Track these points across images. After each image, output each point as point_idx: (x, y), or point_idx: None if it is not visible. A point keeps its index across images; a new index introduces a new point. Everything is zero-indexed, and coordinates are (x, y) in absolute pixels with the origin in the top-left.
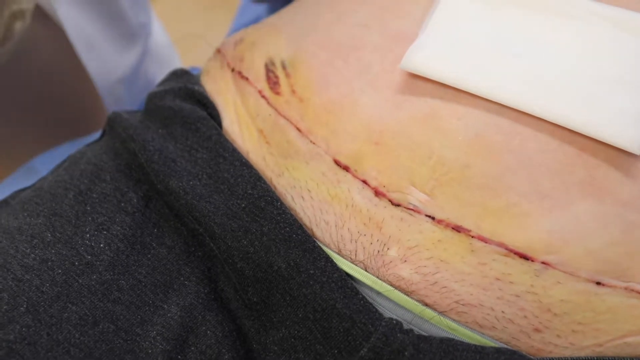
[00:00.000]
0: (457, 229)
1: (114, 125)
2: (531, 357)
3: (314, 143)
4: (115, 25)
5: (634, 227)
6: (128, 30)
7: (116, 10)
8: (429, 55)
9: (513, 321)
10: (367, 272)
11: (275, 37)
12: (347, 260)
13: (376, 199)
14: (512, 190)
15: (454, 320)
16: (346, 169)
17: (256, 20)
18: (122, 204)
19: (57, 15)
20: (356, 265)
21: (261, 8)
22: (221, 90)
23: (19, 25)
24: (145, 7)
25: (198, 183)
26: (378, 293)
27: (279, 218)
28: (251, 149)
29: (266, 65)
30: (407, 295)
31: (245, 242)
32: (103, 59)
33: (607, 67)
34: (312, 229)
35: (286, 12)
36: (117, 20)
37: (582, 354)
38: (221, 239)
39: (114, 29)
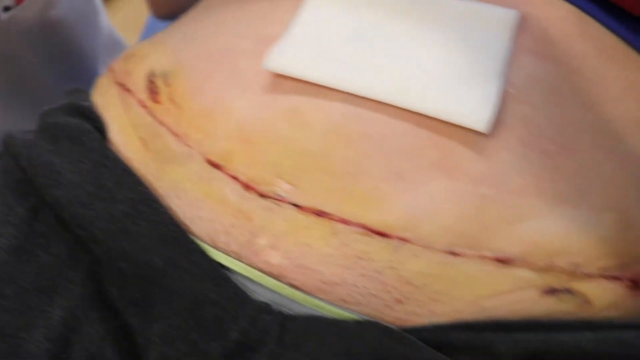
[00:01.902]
0: (320, 214)
1: (7, 145)
2: (390, 325)
3: (189, 146)
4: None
5: (485, 201)
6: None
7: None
8: (289, 56)
9: (376, 295)
10: (241, 261)
11: (158, 50)
12: (221, 252)
13: (246, 193)
14: (370, 174)
15: (321, 299)
16: (218, 167)
17: None
18: (9, 217)
19: None
20: (230, 255)
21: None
22: (108, 104)
23: None
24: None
25: (82, 192)
26: (251, 280)
27: (156, 218)
28: (134, 156)
29: (148, 77)
30: (278, 279)
31: (124, 244)
32: None
33: (457, 57)
34: (188, 226)
35: (172, 26)
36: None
37: (442, 320)
38: (103, 243)
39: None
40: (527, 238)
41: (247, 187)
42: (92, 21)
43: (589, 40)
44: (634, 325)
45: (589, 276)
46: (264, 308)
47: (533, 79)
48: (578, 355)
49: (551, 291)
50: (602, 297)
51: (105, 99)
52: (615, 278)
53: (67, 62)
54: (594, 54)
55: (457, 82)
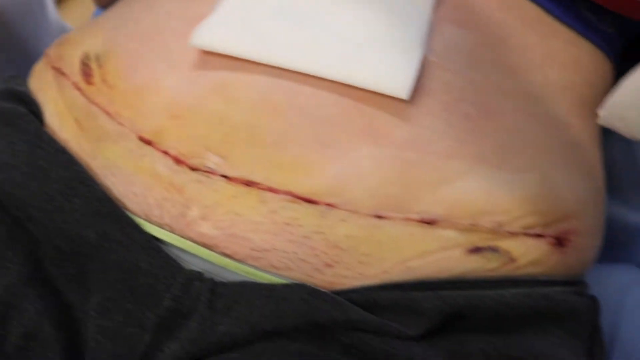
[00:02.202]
0: (248, 183)
1: None
2: (319, 288)
3: (121, 124)
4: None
5: (409, 165)
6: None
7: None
8: (215, 32)
9: (305, 260)
10: (174, 233)
11: (92, 34)
12: (154, 225)
13: (177, 167)
14: (297, 143)
15: (252, 266)
16: (149, 143)
17: None
18: None
19: None
20: (163, 228)
21: None
22: (43, 88)
23: None
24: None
25: (16, 173)
26: (184, 251)
27: (88, 195)
28: (69, 137)
29: (82, 60)
30: (210, 249)
31: (59, 221)
32: None
33: (379, 27)
34: (123, 202)
35: (106, 11)
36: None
37: (371, 281)
38: (39, 221)
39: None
40: (451, 199)
41: (178, 161)
42: (37, 14)
43: (510, 10)
44: (558, 282)
45: (512, 234)
46: (196, 276)
47: (454, 46)
48: (501, 310)
49: (476, 250)
50: (526, 254)
51: (41, 83)
52: (538, 236)
53: (9, 54)
54: (515, 23)
55: (378, 51)
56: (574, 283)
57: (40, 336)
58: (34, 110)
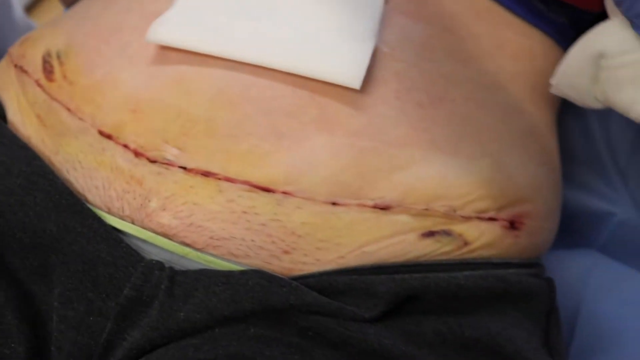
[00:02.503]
0: (206, 174)
1: None
2: (274, 274)
3: (81, 119)
4: None
5: (363, 152)
6: None
7: None
8: (171, 28)
9: (263, 247)
10: (134, 224)
11: (53, 32)
12: (115, 217)
13: (136, 160)
14: (253, 134)
15: (212, 254)
16: (109, 137)
17: None
18: None
19: None
20: (124, 220)
21: None
22: (5, 86)
23: None
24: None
25: None
26: (145, 241)
27: (49, 188)
28: (32, 133)
29: (43, 57)
30: (170, 239)
31: (21, 215)
32: None
33: (331, 20)
34: (84, 196)
35: (69, 10)
36: None
37: (328, 267)
38: (1, 216)
39: None
40: (405, 185)
41: (137, 154)
42: (3, 14)
43: (461, 1)
44: (513, 264)
45: (465, 218)
46: (156, 265)
47: (406, 37)
48: (455, 291)
49: (429, 234)
50: (480, 237)
51: (3, 81)
52: (491, 219)
53: None
54: (466, 14)
55: (331, 43)
56: (530, 265)
57: (3, 327)
58: None
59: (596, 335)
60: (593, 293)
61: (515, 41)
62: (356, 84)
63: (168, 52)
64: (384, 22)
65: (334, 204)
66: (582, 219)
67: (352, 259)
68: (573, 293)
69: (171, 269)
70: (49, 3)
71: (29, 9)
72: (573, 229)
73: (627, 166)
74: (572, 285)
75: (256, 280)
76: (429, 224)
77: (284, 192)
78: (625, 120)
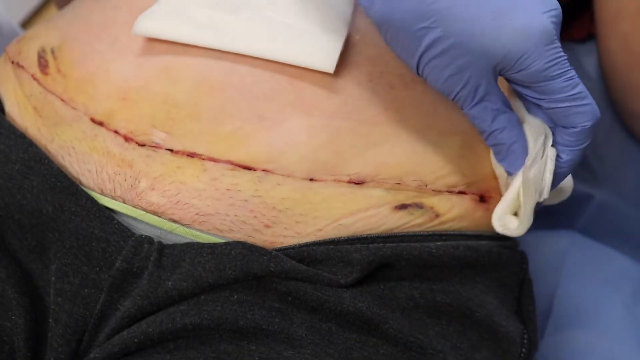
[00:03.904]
0: (191, 155)
1: None
2: (252, 244)
3: (75, 109)
4: None
5: (339, 131)
6: None
7: None
8: (157, 20)
9: (246, 222)
10: (125, 203)
11: (48, 30)
12: (108, 197)
13: (126, 144)
14: (235, 117)
15: (198, 230)
16: (101, 124)
17: None
18: None
19: None
20: (116, 200)
21: None
22: (3, 81)
23: None
24: None
25: None
26: (135, 219)
27: (45, 172)
28: (29, 124)
29: (39, 53)
30: (158, 216)
31: (19, 197)
32: None
33: (307, 9)
34: (79, 179)
35: (62, 10)
36: None
37: (307, 239)
38: (0, 199)
39: None
40: (379, 161)
41: (127, 138)
42: None
43: None
44: (485, 236)
45: (436, 192)
46: (145, 239)
47: None
48: (427, 259)
49: (402, 206)
50: (451, 210)
51: (1, 77)
52: (461, 193)
53: None
54: None
55: (306, 31)
56: (501, 238)
57: (4, 301)
58: None
59: (573, 312)
60: (571, 271)
61: None
62: (330, 68)
63: (154, 44)
64: (356, 10)
65: (311, 179)
66: (563, 201)
67: (330, 232)
68: (552, 271)
69: (160, 242)
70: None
71: (25, 24)
72: (553, 211)
73: (604, 149)
74: (552, 264)
75: (238, 250)
76: (402, 197)
77: (265, 170)
78: (601, 104)
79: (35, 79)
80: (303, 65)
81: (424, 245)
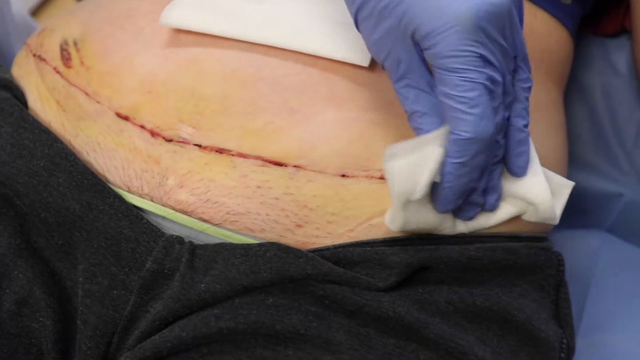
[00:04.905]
0: (220, 151)
1: None
2: (287, 245)
3: (99, 102)
4: None
5: (371, 125)
6: None
7: None
8: (184, 10)
9: (277, 221)
10: (153, 202)
11: (69, 22)
12: (135, 195)
13: (153, 139)
14: (266, 111)
15: (229, 229)
16: (126, 118)
17: None
18: None
19: None
20: (144, 198)
21: None
22: (25, 74)
23: None
24: None
25: (2, 152)
26: (164, 218)
27: (72, 169)
28: (52, 118)
29: (61, 46)
30: (188, 215)
31: (45, 194)
32: None
33: (336, 2)
34: (104, 176)
35: (82, 1)
36: None
37: (340, 240)
38: (25, 196)
39: None
40: None
41: (154, 133)
42: (3, 10)
43: None
44: (522, 237)
45: None
46: (176, 240)
47: None
48: (466, 262)
49: None
50: None
51: (23, 70)
52: None
53: None
54: None
55: (340, 25)
56: (538, 239)
57: (32, 302)
58: (17, 96)
59: (606, 314)
60: (602, 272)
61: None
62: (365, 61)
63: (181, 35)
64: None
65: (343, 175)
66: (590, 200)
67: (362, 232)
68: (583, 272)
69: (191, 243)
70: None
71: (35, 13)
72: (582, 210)
73: (633, 148)
74: (582, 265)
75: (273, 252)
76: None
77: (296, 166)
78: (633, 102)
79: (57, 72)
80: (337, 59)
81: (463, 247)
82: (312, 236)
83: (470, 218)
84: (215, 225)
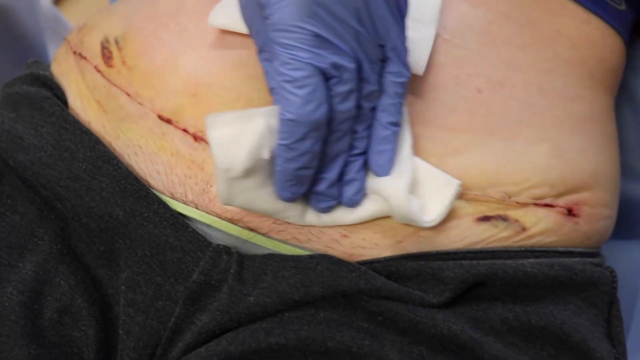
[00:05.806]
0: None
1: None
2: (339, 258)
3: (141, 104)
4: None
5: (418, 138)
6: None
7: None
8: (233, 11)
9: (323, 231)
10: (198, 209)
11: (110, 19)
12: (179, 202)
13: (196, 144)
14: None
15: (276, 239)
16: (168, 121)
17: None
18: None
19: None
20: (188, 205)
21: None
22: (65, 72)
23: None
24: None
25: (43, 154)
26: (209, 226)
27: (114, 173)
28: (92, 119)
29: (102, 44)
30: (234, 223)
31: (87, 199)
32: None
33: None
34: (147, 180)
35: None
36: None
37: (387, 252)
38: (67, 200)
39: None
40: (460, 171)
41: (197, 138)
42: (31, 3)
43: None
44: (576, 252)
45: (521, 204)
46: (224, 249)
47: (466, 23)
48: (522, 278)
49: (485, 218)
50: (537, 223)
51: (63, 68)
52: (548, 206)
53: (12, 46)
54: (525, 1)
55: None
56: (592, 255)
57: (74, 310)
58: (57, 94)
59: None
60: None
61: (573, 27)
62: (420, 70)
63: (228, 36)
64: (444, 8)
65: None
66: (636, 210)
67: (409, 244)
68: (630, 285)
69: (239, 253)
70: None
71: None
72: (627, 220)
73: None
74: (629, 277)
75: (325, 265)
76: (484, 209)
77: None
78: None
79: (98, 70)
80: None
81: (519, 263)
82: (358, 247)
83: (324, 210)
84: (262, 234)
